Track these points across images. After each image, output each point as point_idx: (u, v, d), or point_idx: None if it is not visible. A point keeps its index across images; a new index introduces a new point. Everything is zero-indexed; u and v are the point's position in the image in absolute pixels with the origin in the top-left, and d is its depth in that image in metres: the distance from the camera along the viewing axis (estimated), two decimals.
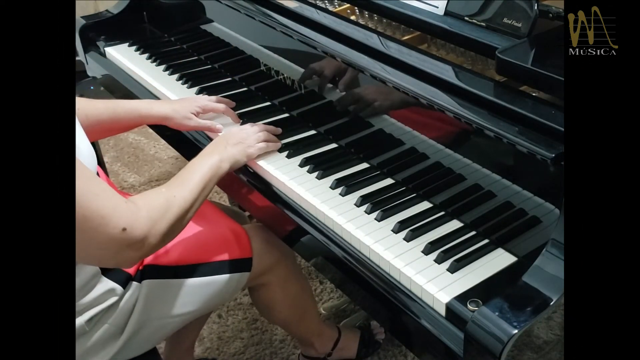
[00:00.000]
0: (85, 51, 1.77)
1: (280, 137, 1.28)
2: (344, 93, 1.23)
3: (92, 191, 0.84)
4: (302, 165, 1.21)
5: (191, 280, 1.16)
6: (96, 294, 1.04)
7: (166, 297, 1.13)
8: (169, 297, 1.14)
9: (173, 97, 1.48)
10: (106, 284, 1.06)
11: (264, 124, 1.30)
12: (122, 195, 0.91)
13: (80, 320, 1.03)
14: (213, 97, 1.37)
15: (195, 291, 1.16)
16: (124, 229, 0.87)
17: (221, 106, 1.35)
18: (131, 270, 1.10)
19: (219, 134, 1.29)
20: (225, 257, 1.19)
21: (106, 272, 1.06)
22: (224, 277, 1.18)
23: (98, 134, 1.27)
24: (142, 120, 1.30)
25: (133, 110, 1.28)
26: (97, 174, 0.99)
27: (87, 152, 0.97)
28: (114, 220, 0.86)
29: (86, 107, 1.22)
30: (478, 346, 0.82)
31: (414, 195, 1.11)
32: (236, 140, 1.17)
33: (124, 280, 1.08)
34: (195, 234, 1.20)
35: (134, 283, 1.10)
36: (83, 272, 1.02)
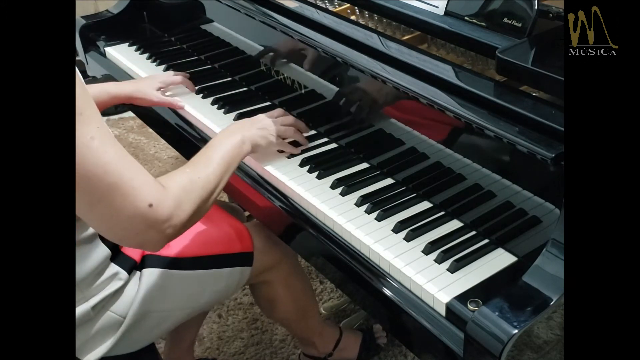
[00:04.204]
0: (85, 51, 1.77)
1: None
2: (343, 93, 1.23)
3: (126, 162, 0.85)
4: (302, 165, 1.21)
5: (192, 273, 1.16)
6: (103, 278, 1.05)
7: (166, 288, 1.14)
8: (170, 289, 1.14)
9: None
10: (112, 268, 1.07)
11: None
12: None
13: (86, 306, 1.04)
14: (171, 73, 1.51)
15: (196, 284, 1.17)
16: (151, 205, 0.86)
17: (178, 78, 1.48)
18: (136, 257, 1.11)
19: (184, 109, 1.43)
20: (226, 250, 1.20)
21: (114, 258, 1.07)
22: (225, 270, 1.19)
23: None
24: (112, 100, 1.38)
25: (102, 91, 1.37)
26: None
27: None
28: (143, 194, 0.86)
29: None
30: (478, 346, 0.82)
31: (414, 195, 1.11)
32: (262, 125, 1.19)
33: (129, 267, 1.09)
34: (197, 229, 1.20)
35: (137, 271, 1.11)
36: (94, 256, 1.03)
